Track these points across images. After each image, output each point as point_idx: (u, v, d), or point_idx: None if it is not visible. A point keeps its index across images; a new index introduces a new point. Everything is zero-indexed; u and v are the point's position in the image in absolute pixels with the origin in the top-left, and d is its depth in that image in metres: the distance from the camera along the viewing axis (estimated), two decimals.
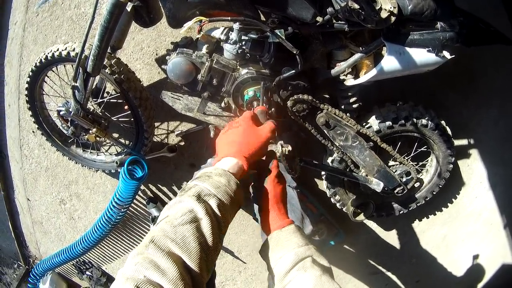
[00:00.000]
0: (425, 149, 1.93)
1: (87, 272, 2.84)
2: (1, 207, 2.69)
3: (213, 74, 1.51)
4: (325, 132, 1.64)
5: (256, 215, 1.41)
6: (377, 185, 1.79)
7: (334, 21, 1.27)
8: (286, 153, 1.47)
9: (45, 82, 1.87)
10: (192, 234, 0.78)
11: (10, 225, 2.78)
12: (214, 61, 1.47)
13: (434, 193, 2.03)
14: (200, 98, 1.62)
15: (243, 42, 1.40)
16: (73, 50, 1.57)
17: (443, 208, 2.40)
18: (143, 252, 0.73)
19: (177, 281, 0.70)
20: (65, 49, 1.59)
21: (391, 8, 1.22)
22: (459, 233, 2.54)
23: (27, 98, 1.86)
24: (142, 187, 2.26)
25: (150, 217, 2.24)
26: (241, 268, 2.62)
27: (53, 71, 1.80)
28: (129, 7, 1.36)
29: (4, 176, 2.55)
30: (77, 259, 2.73)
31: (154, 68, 1.93)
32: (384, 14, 1.22)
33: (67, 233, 2.67)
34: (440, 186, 2.00)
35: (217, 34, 1.44)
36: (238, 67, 1.50)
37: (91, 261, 2.80)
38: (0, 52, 2.10)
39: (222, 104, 1.61)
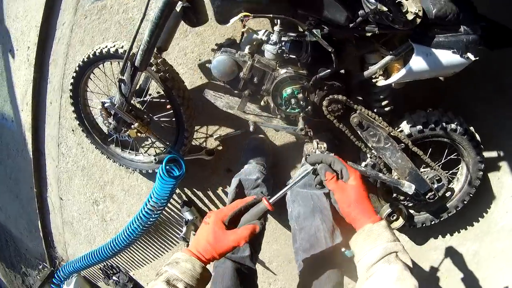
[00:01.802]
0: (455, 157, 2.00)
1: (114, 277, 2.91)
2: (32, 206, 2.82)
3: (254, 73, 1.66)
4: (359, 133, 1.76)
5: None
6: (409, 188, 1.86)
7: (366, 24, 1.42)
8: (322, 149, 1.63)
9: (91, 79, 2.02)
10: None
11: (39, 224, 2.89)
12: (255, 61, 1.63)
13: (465, 202, 2.08)
14: (240, 97, 1.78)
15: (283, 43, 1.57)
16: (122, 47, 1.73)
17: (474, 223, 2.41)
18: None
19: None
20: (114, 46, 1.74)
21: (416, 10, 1.36)
22: (489, 249, 2.52)
23: (71, 94, 2.02)
24: (177, 190, 2.38)
25: (183, 220, 2.33)
26: (271, 280, 2.66)
27: (99, 68, 1.95)
28: (178, 7, 1.54)
29: (39, 174, 2.69)
30: (105, 263, 2.81)
31: (196, 73, 2.09)
32: (410, 16, 1.35)
33: (97, 235, 2.77)
34: (471, 194, 2.05)
35: (259, 35, 1.62)
36: (277, 67, 1.65)
37: (119, 265, 2.88)
38: (46, 51, 2.28)
39: (262, 103, 1.77)
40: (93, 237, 2.81)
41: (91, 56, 1.83)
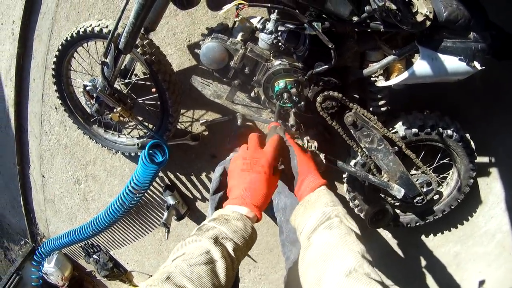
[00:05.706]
0: (448, 161, 1.88)
1: (94, 256, 2.81)
2: (14, 182, 2.65)
3: (245, 63, 1.47)
4: (352, 132, 1.60)
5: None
6: (398, 192, 1.73)
7: (371, 20, 1.24)
8: (312, 148, 1.46)
9: (74, 57, 1.83)
10: (207, 274, 0.81)
11: (21, 201, 2.74)
12: (248, 49, 1.43)
13: (452, 207, 1.97)
14: (230, 86, 1.60)
15: (279, 33, 1.37)
16: (106, 27, 1.55)
17: (458, 225, 2.32)
18: (158, 285, 0.76)
19: None
20: (98, 25, 1.56)
21: (427, 12, 1.21)
22: (471, 252, 2.45)
23: (53, 72, 1.83)
24: (160, 173, 2.23)
25: (165, 205, 2.20)
26: (251, 267, 2.57)
27: (83, 47, 1.76)
28: None
29: (21, 151, 2.51)
30: (86, 242, 2.70)
31: (185, 55, 1.89)
32: (419, 18, 1.21)
33: (78, 214, 2.63)
34: (459, 200, 1.95)
35: (254, 22, 1.42)
36: (271, 58, 1.46)
37: (100, 244, 2.77)
38: (30, 26, 2.06)
39: (252, 94, 1.58)
40: (75, 216, 2.67)
41: (74, 35, 1.64)
